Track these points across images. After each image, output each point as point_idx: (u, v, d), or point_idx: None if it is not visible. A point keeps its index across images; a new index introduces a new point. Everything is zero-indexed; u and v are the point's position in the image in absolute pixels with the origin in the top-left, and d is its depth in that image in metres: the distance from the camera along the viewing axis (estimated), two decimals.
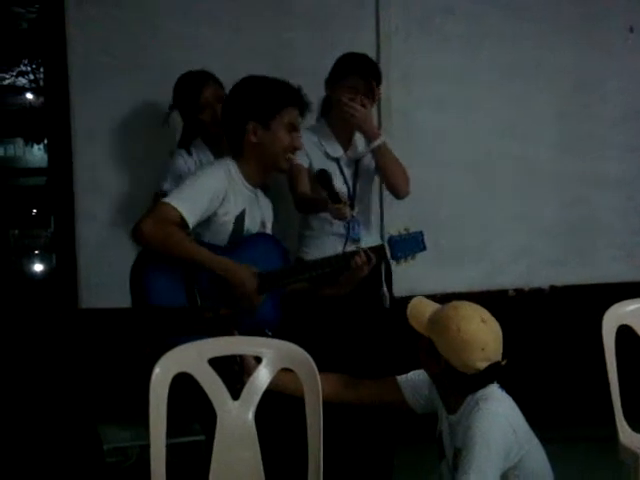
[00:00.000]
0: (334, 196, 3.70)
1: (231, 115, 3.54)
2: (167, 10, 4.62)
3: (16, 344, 4.73)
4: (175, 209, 3.30)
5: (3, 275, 10.25)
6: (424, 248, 3.63)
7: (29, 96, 18.13)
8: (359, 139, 4.19)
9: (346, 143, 4.18)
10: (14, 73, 17.01)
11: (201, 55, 4.50)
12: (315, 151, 4.10)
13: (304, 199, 3.99)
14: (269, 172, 3.65)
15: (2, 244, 13.34)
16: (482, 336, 2.76)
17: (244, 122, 3.49)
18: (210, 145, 4.17)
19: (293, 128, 3.56)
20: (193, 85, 4.14)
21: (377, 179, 4.33)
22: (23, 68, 16.44)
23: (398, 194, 4.20)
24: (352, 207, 4.04)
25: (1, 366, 4.70)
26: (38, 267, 10.85)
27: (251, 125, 3.48)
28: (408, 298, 3.00)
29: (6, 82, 18.02)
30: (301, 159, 3.99)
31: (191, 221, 3.33)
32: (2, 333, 4.86)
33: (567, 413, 5.08)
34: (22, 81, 17.25)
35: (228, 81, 3.84)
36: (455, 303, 2.88)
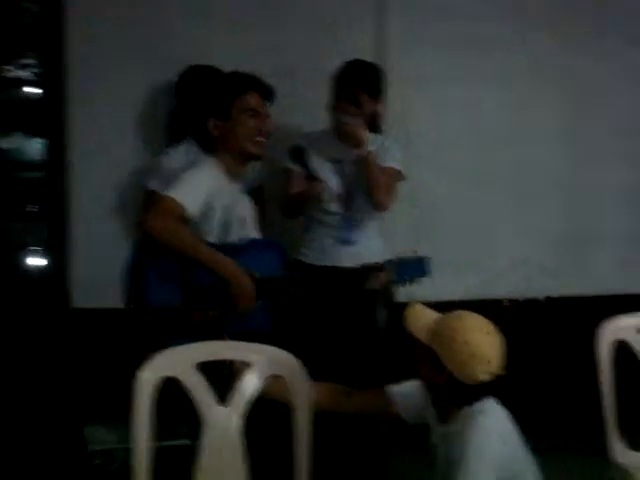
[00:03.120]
0: (308, 171, 3.91)
1: (191, 115, 3.62)
2: (167, 7, 4.57)
3: (6, 342, 4.69)
4: (178, 202, 3.36)
5: (2, 271, 10.19)
6: (428, 273, 3.60)
7: (31, 89, 18.14)
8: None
9: (347, 145, 4.14)
10: (17, 66, 17.02)
11: (200, 52, 4.46)
12: (313, 152, 4.10)
13: (288, 199, 4.07)
14: (244, 161, 3.67)
15: (1, 239, 13.31)
16: (488, 348, 2.74)
17: (204, 120, 3.57)
18: (200, 142, 4.10)
19: (256, 113, 3.61)
20: (208, 76, 4.13)
21: None
22: (26, 61, 16.45)
23: (376, 206, 4.14)
24: (348, 209, 4.08)
25: None
26: (37, 263, 10.77)
27: (212, 122, 3.57)
28: (404, 304, 2.96)
29: (10, 75, 18.06)
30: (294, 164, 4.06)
31: (194, 213, 3.39)
32: None
33: (561, 424, 5.06)
34: (24, 74, 17.25)
35: None
36: (459, 313, 2.85)
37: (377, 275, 3.54)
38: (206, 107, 3.58)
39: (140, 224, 3.36)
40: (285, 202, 4.11)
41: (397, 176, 4.18)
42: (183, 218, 3.37)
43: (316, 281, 3.60)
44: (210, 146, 3.62)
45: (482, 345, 2.72)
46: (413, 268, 3.58)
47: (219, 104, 3.57)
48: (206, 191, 3.45)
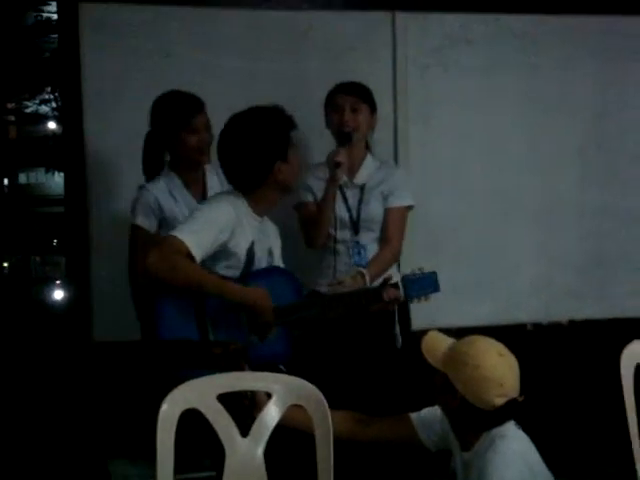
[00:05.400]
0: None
1: (254, 158, 3.46)
2: (182, 38, 4.62)
3: (30, 378, 4.71)
4: (182, 242, 3.26)
5: (23, 305, 10.27)
6: (437, 289, 3.60)
7: (51, 124, 18.28)
8: (366, 165, 4.19)
9: (349, 170, 4.14)
10: (37, 101, 17.17)
11: (216, 83, 4.51)
12: (319, 184, 4.13)
13: (305, 228, 4.11)
14: (282, 196, 3.64)
15: (24, 272, 13.46)
16: (500, 371, 2.71)
17: (271, 164, 3.47)
18: (178, 172, 4.01)
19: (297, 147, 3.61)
20: (189, 107, 4.00)
21: None
22: (45, 96, 16.60)
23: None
24: (356, 232, 4.10)
25: (14, 401, 4.67)
26: (57, 296, 10.84)
27: (277, 165, 3.47)
28: (424, 332, 2.96)
29: (29, 110, 18.22)
30: (306, 196, 4.16)
31: (198, 254, 3.29)
32: (17, 366, 4.83)
33: (585, 451, 5.00)
34: (44, 109, 17.40)
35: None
36: (471, 337, 2.83)
37: (386, 292, 3.55)
38: (273, 154, 3.46)
39: (140, 269, 3.28)
40: (304, 232, 4.15)
41: (406, 212, 4.22)
42: (187, 255, 3.26)
43: (330, 306, 3.59)
44: (253, 186, 3.52)
45: (495, 368, 2.70)
46: (423, 284, 3.57)
47: (284, 149, 3.49)
48: (219, 231, 3.36)
